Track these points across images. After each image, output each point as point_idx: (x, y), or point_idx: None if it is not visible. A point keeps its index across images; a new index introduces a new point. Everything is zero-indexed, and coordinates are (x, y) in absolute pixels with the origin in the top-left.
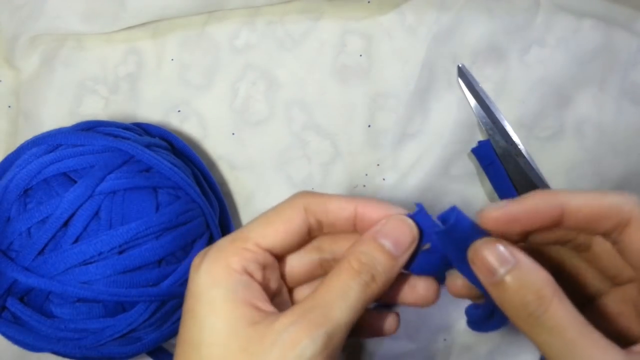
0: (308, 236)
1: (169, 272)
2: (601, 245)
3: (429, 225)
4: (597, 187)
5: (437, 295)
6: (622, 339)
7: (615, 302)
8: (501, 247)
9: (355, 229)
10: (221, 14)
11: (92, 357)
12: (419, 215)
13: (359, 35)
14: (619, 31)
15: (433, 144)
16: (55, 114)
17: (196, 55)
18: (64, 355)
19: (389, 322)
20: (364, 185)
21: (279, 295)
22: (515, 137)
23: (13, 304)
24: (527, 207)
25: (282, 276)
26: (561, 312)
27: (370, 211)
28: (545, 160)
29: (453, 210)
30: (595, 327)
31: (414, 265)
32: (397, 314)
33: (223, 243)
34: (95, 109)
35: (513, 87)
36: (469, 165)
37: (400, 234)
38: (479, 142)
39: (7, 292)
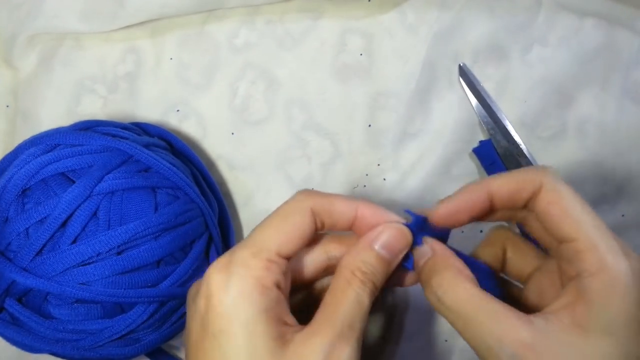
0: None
1: (167, 272)
2: (532, 220)
3: (420, 227)
4: (599, 186)
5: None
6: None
7: (534, 284)
8: (424, 245)
9: (352, 229)
10: (220, 12)
11: (90, 358)
12: (412, 224)
13: (359, 34)
14: (621, 30)
15: (434, 144)
16: (54, 113)
17: (195, 54)
18: (62, 357)
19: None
20: (365, 186)
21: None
22: (516, 137)
23: (11, 305)
24: (460, 201)
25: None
26: (459, 293)
27: (369, 215)
28: (547, 159)
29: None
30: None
31: (409, 262)
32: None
33: (245, 257)
34: (93, 109)
35: (514, 86)
36: (470, 165)
37: (394, 242)
38: (480, 141)
39: (5, 292)
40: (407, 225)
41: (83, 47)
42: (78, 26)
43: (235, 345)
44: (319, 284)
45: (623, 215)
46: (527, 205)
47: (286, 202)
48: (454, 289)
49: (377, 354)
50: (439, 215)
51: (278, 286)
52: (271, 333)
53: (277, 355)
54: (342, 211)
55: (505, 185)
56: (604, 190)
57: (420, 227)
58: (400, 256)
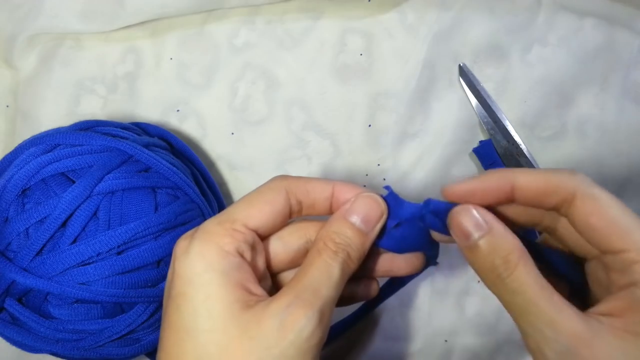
0: (289, 217)
1: (167, 272)
2: (564, 226)
3: (399, 205)
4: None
5: (420, 263)
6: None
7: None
8: (476, 213)
9: (331, 210)
10: (220, 12)
11: (90, 358)
12: (389, 197)
13: (359, 34)
14: (620, 30)
15: (434, 144)
16: (53, 113)
17: (195, 54)
18: (62, 357)
19: (363, 287)
20: (364, 185)
21: (265, 278)
22: (516, 137)
23: (11, 305)
24: (482, 182)
25: (267, 261)
26: (524, 276)
27: (345, 192)
28: (547, 159)
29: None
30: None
31: (386, 241)
32: (374, 280)
33: (210, 225)
34: (93, 109)
35: (514, 86)
36: (470, 165)
37: (368, 210)
38: (481, 141)
39: (6, 292)
40: (383, 197)
41: (83, 47)
42: (78, 26)
43: (192, 307)
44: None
45: None
46: (559, 210)
47: (263, 184)
48: (519, 271)
49: (376, 354)
50: (453, 189)
51: (241, 254)
52: (229, 296)
53: (235, 318)
54: (318, 190)
55: (534, 182)
56: None
57: (398, 202)
58: (375, 224)
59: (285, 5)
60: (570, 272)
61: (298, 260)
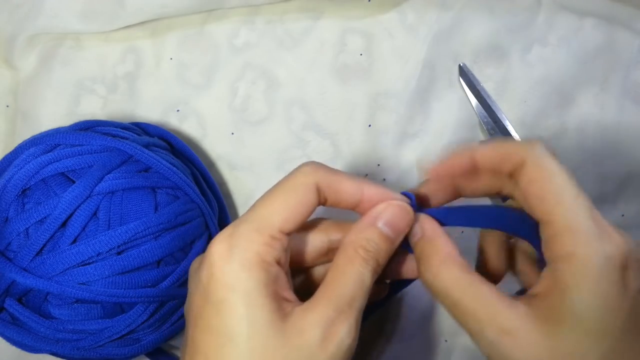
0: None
1: (167, 272)
2: (518, 194)
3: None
4: (599, 186)
5: None
6: None
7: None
8: (418, 222)
9: (356, 208)
10: (220, 12)
11: (90, 358)
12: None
13: (359, 34)
14: (620, 30)
15: (434, 144)
16: (53, 113)
17: (195, 54)
18: (62, 357)
19: (375, 289)
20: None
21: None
22: (516, 137)
23: (11, 305)
24: (444, 164)
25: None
26: (447, 277)
27: (375, 197)
28: None
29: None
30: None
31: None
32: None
33: (248, 231)
34: (93, 109)
35: (514, 86)
36: None
37: (398, 218)
38: (481, 141)
39: (5, 292)
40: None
41: (83, 47)
42: (78, 26)
43: (235, 314)
44: (317, 270)
45: (623, 215)
46: (511, 176)
47: (292, 175)
48: (441, 273)
49: (377, 354)
50: (433, 170)
51: (279, 263)
52: (270, 306)
53: (276, 327)
54: (349, 191)
55: (489, 153)
56: (604, 190)
57: (418, 207)
58: (403, 234)
59: (285, 5)
60: (531, 237)
61: (319, 259)
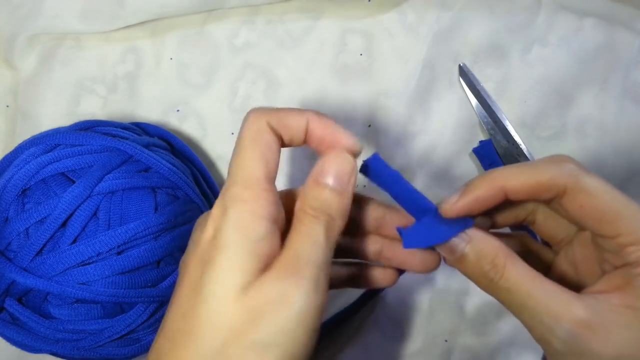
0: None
1: (167, 272)
2: (542, 218)
3: (385, 171)
4: None
5: (437, 261)
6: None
7: (566, 259)
8: (460, 236)
9: (306, 142)
10: (220, 12)
11: (90, 358)
12: (373, 161)
13: (359, 34)
14: (620, 30)
15: (434, 144)
16: (53, 113)
17: (195, 54)
18: (62, 357)
19: (387, 275)
20: (364, 186)
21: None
22: (516, 137)
23: (11, 305)
24: (473, 198)
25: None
26: (514, 274)
27: (319, 129)
28: None
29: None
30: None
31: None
32: (396, 271)
33: (239, 191)
34: (93, 109)
35: (514, 86)
36: (470, 165)
37: (338, 168)
38: (481, 141)
39: (6, 292)
40: (367, 163)
41: (83, 47)
42: (78, 26)
43: (216, 276)
44: None
45: None
46: (547, 202)
47: (244, 126)
48: (509, 270)
49: (377, 354)
50: (451, 210)
51: (274, 218)
52: (253, 268)
53: (242, 290)
54: (296, 122)
55: (524, 184)
56: None
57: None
58: (349, 181)
59: (285, 5)
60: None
61: None
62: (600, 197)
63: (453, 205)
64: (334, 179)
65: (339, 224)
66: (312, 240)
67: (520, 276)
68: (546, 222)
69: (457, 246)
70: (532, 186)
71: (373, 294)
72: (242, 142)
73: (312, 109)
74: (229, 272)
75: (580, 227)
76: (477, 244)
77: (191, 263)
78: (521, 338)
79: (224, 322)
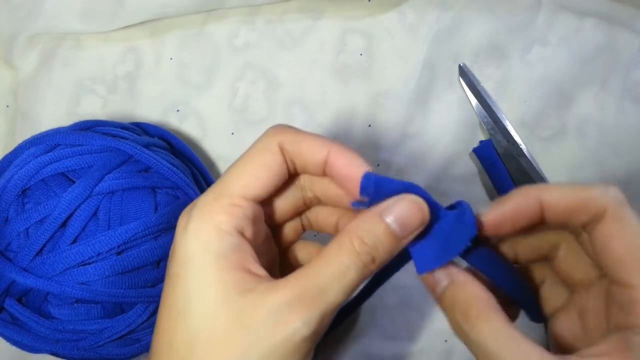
0: (288, 175)
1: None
2: (566, 253)
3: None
4: None
5: None
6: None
7: (575, 307)
8: (440, 272)
9: (326, 174)
10: (220, 12)
11: (90, 358)
12: (368, 180)
13: (359, 34)
14: (620, 30)
15: (434, 144)
16: (53, 113)
17: (195, 54)
18: (62, 357)
19: None
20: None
21: (267, 239)
22: (516, 137)
23: (11, 305)
24: (511, 206)
25: (267, 219)
26: (486, 330)
27: (341, 162)
28: (547, 160)
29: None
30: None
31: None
32: None
33: (207, 201)
34: (93, 109)
35: (515, 86)
36: (470, 165)
37: (409, 216)
38: (481, 142)
39: (5, 292)
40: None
41: (83, 47)
42: (78, 26)
43: (186, 289)
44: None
45: None
46: (584, 226)
47: (257, 139)
48: (481, 324)
49: (377, 354)
50: (487, 223)
51: (241, 232)
52: (226, 280)
53: (228, 303)
54: (311, 152)
55: (564, 198)
56: None
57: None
58: (413, 232)
59: (285, 5)
60: (513, 288)
61: (298, 211)
62: (634, 235)
63: (488, 216)
64: (399, 222)
65: (375, 270)
66: (340, 277)
67: (493, 333)
68: (567, 259)
69: (440, 283)
70: (573, 202)
71: (378, 283)
72: (243, 154)
73: (337, 141)
74: (201, 287)
75: (602, 270)
76: (455, 288)
77: (166, 277)
78: None
79: (203, 338)
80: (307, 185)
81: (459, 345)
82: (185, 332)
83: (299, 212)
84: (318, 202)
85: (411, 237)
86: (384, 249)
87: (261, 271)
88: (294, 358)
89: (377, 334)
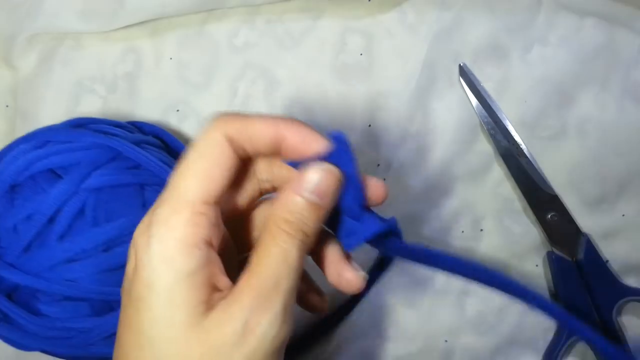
0: (241, 164)
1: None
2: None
3: (348, 155)
4: (599, 186)
5: (362, 282)
6: None
7: None
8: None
9: (279, 153)
10: (220, 12)
11: (82, 357)
12: (340, 143)
13: (359, 33)
14: (621, 30)
15: (434, 144)
16: (53, 113)
17: (195, 54)
18: (54, 355)
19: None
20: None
21: (226, 236)
22: (517, 137)
23: (1, 302)
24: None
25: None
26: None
27: (292, 136)
28: (547, 159)
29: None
30: None
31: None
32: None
33: (165, 214)
34: (93, 109)
35: (515, 86)
36: (471, 165)
37: (325, 185)
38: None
39: None
40: (330, 157)
41: (83, 47)
42: (78, 26)
43: (153, 315)
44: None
45: (623, 215)
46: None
47: (201, 134)
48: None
49: (377, 354)
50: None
51: (209, 242)
52: (193, 301)
53: (195, 325)
54: (262, 133)
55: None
56: (604, 190)
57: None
58: (332, 197)
59: (285, 5)
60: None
61: (256, 204)
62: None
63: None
64: (316, 193)
65: (311, 241)
66: (284, 263)
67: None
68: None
69: None
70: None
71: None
72: (187, 154)
73: (286, 116)
74: (167, 312)
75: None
76: None
77: (123, 297)
78: (521, 338)
79: None
80: (265, 177)
81: (459, 345)
82: (153, 358)
83: (255, 202)
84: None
85: (332, 200)
86: (311, 221)
87: (226, 282)
88: (274, 357)
89: (377, 334)
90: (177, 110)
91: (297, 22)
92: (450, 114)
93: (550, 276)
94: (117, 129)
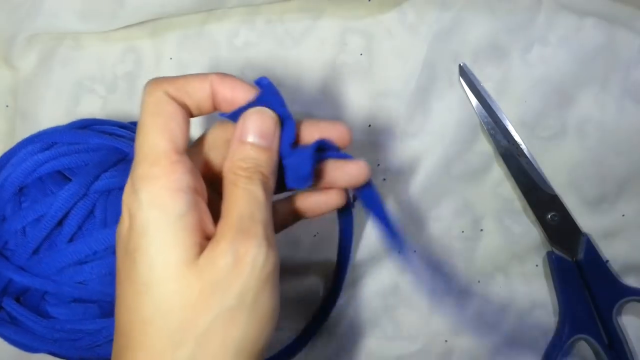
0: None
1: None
2: None
3: (276, 97)
4: (599, 186)
5: (368, 172)
6: None
7: None
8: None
9: (217, 108)
10: (220, 12)
11: (88, 358)
12: (266, 88)
13: (359, 34)
14: (621, 30)
15: (434, 144)
16: (53, 113)
17: (195, 54)
18: (60, 356)
19: (331, 196)
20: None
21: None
22: (517, 137)
23: (9, 304)
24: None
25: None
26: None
27: (222, 89)
28: (547, 159)
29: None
30: None
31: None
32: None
33: (145, 171)
34: (93, 109)
35: (515, 86)
36: (471, 165)
37: (261, 124)
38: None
39: (3, 291)
40: (259, 85)
41: (82, 47)
42: (77, 26)
43: (148, 259)
44: None
45: (623, 215)
46: None
47: (143, 99)
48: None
49: (377, 354)
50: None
51: (193, 188)
52: (187, 242)
53: (190, 264)
54: (197, 90)
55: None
56: (604, 190)
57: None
58: (274, 135)
59: (285, 5)
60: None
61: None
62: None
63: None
64: (258, 135)
65: (272, 179)
66: (253, 200)
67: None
68: None
69: None
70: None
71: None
72: (142, 117)
73: (217, 72)
74: (163, 254)
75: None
76: None
77: (119, 258)
78: (521, 338)
79: (175, 304)
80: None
81: (459, 345)
82: (153, 301)
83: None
84: None
85: (277, 141)
86: (263, 161)
87: (211, 225)
88: (269, 282)
89: (377, 334)
90: None
91: (297, 22)
92: (450, 114)
93: (550, 276)
94: (121, 130)
